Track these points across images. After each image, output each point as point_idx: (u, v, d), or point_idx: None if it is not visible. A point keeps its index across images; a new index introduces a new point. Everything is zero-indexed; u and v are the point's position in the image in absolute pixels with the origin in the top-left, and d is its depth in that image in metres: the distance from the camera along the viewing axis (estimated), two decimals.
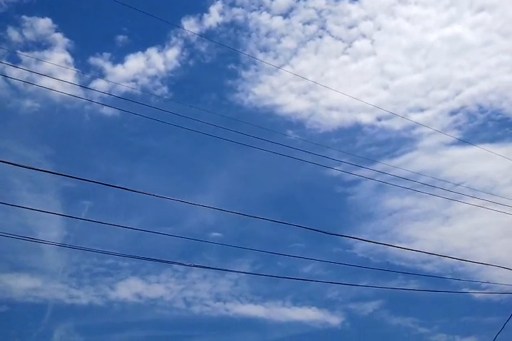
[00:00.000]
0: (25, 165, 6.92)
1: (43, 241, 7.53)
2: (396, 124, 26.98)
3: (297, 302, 26.17)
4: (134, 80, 25.69)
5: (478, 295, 23.24)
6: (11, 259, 25.48)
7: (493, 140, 27.39)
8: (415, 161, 25.97)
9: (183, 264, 7.85)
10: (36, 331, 25.09)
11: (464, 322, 26.55)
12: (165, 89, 26.66)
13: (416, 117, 26.86)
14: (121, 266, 25.91)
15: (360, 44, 27.48)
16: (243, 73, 27.90)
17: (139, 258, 7.75)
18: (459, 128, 27.24)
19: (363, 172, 14.34)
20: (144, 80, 26.52)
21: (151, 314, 25.55)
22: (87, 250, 7.52)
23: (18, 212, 22.83)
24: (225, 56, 27.57)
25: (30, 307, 24.97)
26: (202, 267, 8.57)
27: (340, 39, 27.18)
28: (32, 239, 7.45)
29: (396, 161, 25.27)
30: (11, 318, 25.45)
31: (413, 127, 26.65)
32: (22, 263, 25.92)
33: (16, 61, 19.61)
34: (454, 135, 25.09)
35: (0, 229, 8.01)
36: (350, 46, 27.34)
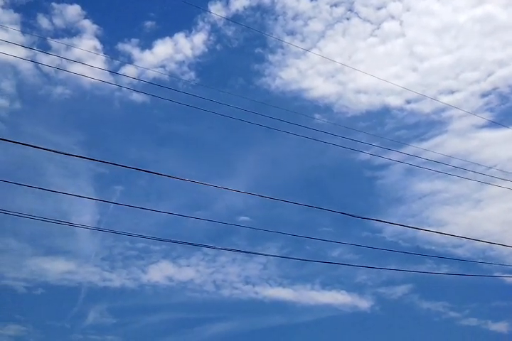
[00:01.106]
0: (59, 150, 7.09)
1: (77, 225, 7.73)
2: (425, 107, 26.60)
3: (326, 285, 26.28)
4: (162, 66, 25.83)
5: (509, 279, 22.99)
6: (47, 243, 26.14)
7: None
8: (445, 144, 25.62)
9: (214, 247, 7.99)
10: (71, 313, 25.81)
11: (496, 307, 26.31)
12: (192, 74, 26.76)
13: (446, 99, 26.43)
14: (152, 249, 26.37)
15: (389, 25, 27.02)
16: (270, 57, 27.77)
17: (170, 241, 7.90)
18: (491, 110, 26.72)
19: (392, 156, 14.25)
20: (172, 66, 26.65)
21: (181, 296, 26.02)
22: (120, 233, 7.71)
23: (52, 197, 23.40)
24: (252, 40, 27.45)
25: (65, 290, 25.66)
26: (232, 250, 8.70)
27: (369, 21, 26.79)
28: (67, 223, 7.66)
29: (426, 144, 24.97)
30: (47, 300, 26.20)
31: (443, 110, 26.25)
32: (57, 247, 26.58)
33: (46, 48, 19.90)
34: (486, 117, 24.63)
35: (36, 214, 8.23)
36: (378, 28, 26.92)
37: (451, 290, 25.90)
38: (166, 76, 22.53)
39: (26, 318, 25.00)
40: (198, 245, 7.87)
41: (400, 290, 26.20)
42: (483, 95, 26.51)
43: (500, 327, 25.09)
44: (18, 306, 25.76)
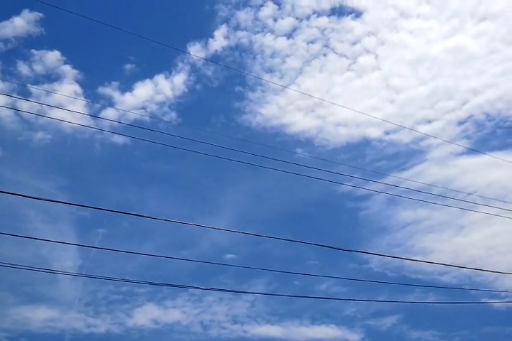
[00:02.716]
0: (39, 196, 7.03)
1: (59, 272, 7.59)
2: (404, 137, 27.04)
3: (315, 320, 25.94)
4: (143, 107, 26.04)
5: (497, 304, 22.94)
6: (28, 291, 25.53)
7: (502, 147, 27.33)
8: (425, 173, 25.93)
9: (200, 288, 7.88)
10: None
11: (485, 333, 26.15)
12: (173, 114, 26.97)
13: (424, 129, 26.92)
14: (137, 292, 25.89)
15: (364, 59, 27.70)
16: (250, 94, 28.18)
17: (155, 284, 7.78)
18: (468, 137, 27.23)
19: (374, 186, 14.35)
20: (153, 107, 26.86)
21: (168, 339, 25.42)
22: (103, 278, 7.56)
23: (33, 243, 22.98)
24: (232, 79, 27.89)
25: (48, 338, 24.93)
26: (218, 290, 8.58)
27: (345, 56, 27.45)
28: (49, 270, 7.53)
29: (406, 174, 25.26)
30: None
31: (421, 139, 26.68)
32: (39, 294, 25.96)
33: (26, 95, 19.96)
34: (463, 144, 25.05)
35: (16, 261, 8.08)
36: (354, 62, 27.57)
37: (440, 319, 25.75)
38: (147, 117, 22.65)
39: None
40: (184, 287, 7.76)
41: (389, 321, 25.97)
42: (460, 123, 27.06)
43: None
44: None
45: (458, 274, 24.65)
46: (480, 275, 23.26)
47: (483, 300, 19.39)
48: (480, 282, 22.86)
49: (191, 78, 26.85)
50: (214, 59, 25.86)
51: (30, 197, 6.73)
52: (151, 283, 7.56)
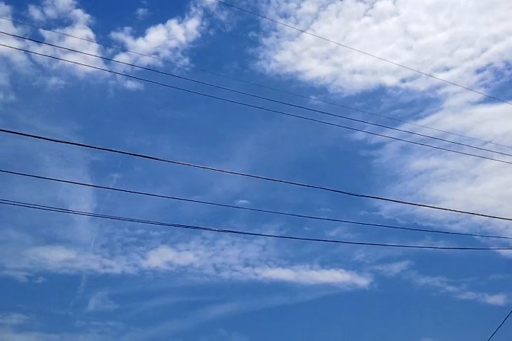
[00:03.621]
0: (55, 138, 7.10)
1: (77, 212, 7.78)
2: (421, 85, 26.59)
3: (325, 265, 26.52)
4: (156, 53, 25.72)
5: (506, 252, 23.23)
6: (46, 233, 26.25)
7: None
8: (441, 121, 25.67)
9: (214, 230, 8.04)
10: (72, 300, 26.01)
11: (493, 280, 26.63)
12: (186, 60, 26.63)
13: (441, 77, 26.41)
14: (151, 235, 26.52)
15: (382, 4, 26.86)
16: (264, 40, 27.65)
17: (171, 225, 7.95)
18: (486, 86, 26.73)
19: (388, 134, 14.26)
20: (166, 52, 26.52)
21: (182, 281, 26.23)
22: (120, 219, 7.75)
23: (49, 187, 23.39)
24: (246, 24, 27.29)
25: (65, 278, 25.84)
26: (231, 232, 8.75)
27: (362, 0, 26.62)
28: (66, 211, 7.70)
29: (421, 122, 25.02)
30: (49, 289, 26.40)
31: (438, 87, 26.25)
32: (56, 236, 26.70)
33: (39, 39, 19.75)
34: (481, 93, 24.62)
35: (33, 204, 8.24)
36: (372, 7, 26.76)
37: (449, 265, 26.20)
38: (160, 63, 22.39)
39: (29, 307, 25.19)
40: (199, 228, 7.93)
41: (398, 266, 26.47)
42: (478, 71, 26.49)
43: (497, 299, 25.42)
44: (20, 295, 25.94)
45: (468, 223, 24.85)
46: (490, 224, 23.43)
47: (492, 248, 19.61)
48: (490, 231, 23.04)
49: (204, 23, 26.29)
50: (227, 3, 25.25)
51: (46, 139, 6.80)
52: (166, 224, 7.74)
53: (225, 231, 7.85)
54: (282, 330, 26.27)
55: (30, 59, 24.59)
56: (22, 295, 25.88)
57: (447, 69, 26.44)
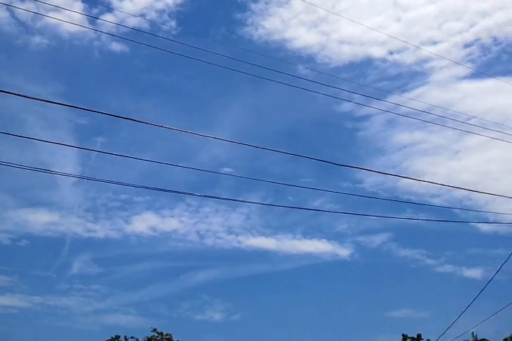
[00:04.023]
0: (39, 97, 7.00)
1: (61, 174, 7.76)
2: (408, 58, 26.57)
3: (307, 234, 26.85)
4: (142, 14, 25.25)
5: (485, 228, 23.66)
6: (29, 195, 26.11)
7: (505, 73, 26.98)
8: (426, 95, 25.76)
9: (198, 195, 8.11)
10: (56, 263, 26.11)
11: (471, 254, 27.22)
12: (173, 23, 26.21)
13: (429, 50, 26.38)
14: (135, 200, 26.52)
15: None
16: (252, 6, 27.24)
17: (154, 189, 7.99)
18: (473, 61, 26.78)
19: (374, 108, 14.27)
20: (152, 14, 26.06)
21: (166, 246, 26.43)
22: (105, 182, 7.75)
23: (33, 149, 23.15)
24: None
25: (49, 241, 25.89)
26: (215, 198, 8.79)
27: None
28: (50, 172, 7.68)
29: (407, 95, 25.13)
30: (32, 251, 26.44)
31: (425, 61, 26.25)
32: (39, 198, 26.59)
33: None
34: (467, 68, 24.64)
35: (18, 165, 8.16)
36: None
37: (428, 239, 26.69)
38: (146, 25, 21.97)
39: (12, 269, 25.27)
40: (183, 193, 7.98)
41: (379, 238, 26.88)
42: (466, 46, 26.50)
43: (474, 273, 26.05)
44: (2, 257, 25.95)
45: (449, 197, 25.22)
46: (470, 200, 23.82)
47: (472, 223, 19.99)
48: (470, 206, 23.47)
49: None
50: None
51: (31, 98, 6.71)
52: (150, 188, 7.77)
53: (209, 197, 7.92)
54: (264, 297, 26.80)
55: (13, 16, 23.98)
56: (5, 257, 25.89)
57: (435, 42, 26.42)
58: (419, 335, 23.20)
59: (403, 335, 23.35)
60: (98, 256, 27.06)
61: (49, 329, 25.35)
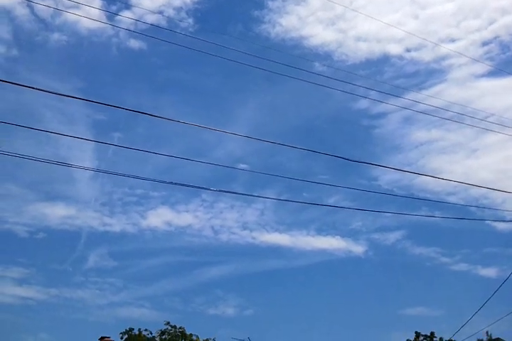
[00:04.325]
0: (59, 92, 7.12)
1: (78, 167, 7.89)
2: (425, 55, 26.41)
3: (322, 231, 26.85)
4: (160, 12, 25.38)
5: (501, 226, 23.46)
6: (47, 189, 26.42)
7: None
8: (444, 93, 25.59)
9: (213, 190, 8.20)
10: (72, 256, 26.41)
11: (487, 253, 27.02)
12: (191, 20, 26.31)
13: (447, 48, 26.17)
14: (151, 195, 26.70)
15: None
16: (270, 3, 27.24)
17: (170, 183, 8.08)
18: (491, 59, 26.54)
19: (391, 104, 14.23)
20: (170, 12, 26.17)
21: (180, 241, 26.61)
22: (122, 175, 7.86)
23: (51, 143, 23.42)
24: None
25: (66, 234, 26.19)
26: (231, 193, 8.86)
27: None
28: (68, 165, 7.81)
29: (424, 93, 25.01)
30: (49, 244, 26.78)
31: (443, 58, 26.06)
32: (57, 192, 26.89)
33: None
34: (485, 66, 24.41)
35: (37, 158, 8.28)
36: None
37: (444, 237, 26.54)
38: (164, 22, 22.07)
39: (29, 261, 25.62)
40: (199, 188, 8.06)
41: (394, 236, 26.79)
42: (484, 44, 26.26)
43: (489, 272, 25.87)
44: (20, 250, 26.33)
45: (465, 195, 25.06)
46: (487, 198, 23.64)
47: (488, 222, 19.84)
48: (487, 204, 23.32)
49: None
50: None
51: (50, 92, 6.83)
52: (166, 182, 7.88)
53: (224, 191, 8.00)
54: (277, 293, 26.89)
55: (33, 13, 24.24)
56: (23, 249, 26.27)
57: (453, 40, 26.22)
58: (432, 333, 23.14)
59: (416, 333, 23.30)
60: (114, 249, 27.31)
61: (64, 321, 25.72)
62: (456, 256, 27.00)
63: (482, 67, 24.24)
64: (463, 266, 26.67)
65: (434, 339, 23.07)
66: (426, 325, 23.76)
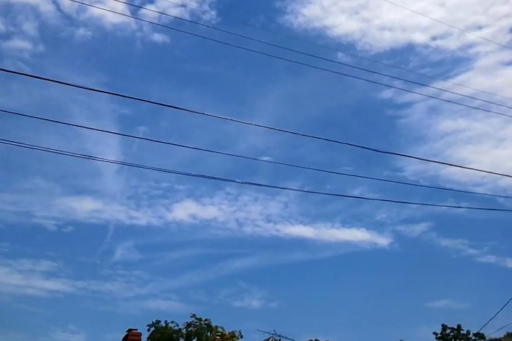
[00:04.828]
0: (85, 86, 7.19)
1: (106, 160, 7.98)
2: (451, 44, 26.01)
3: (346, 223, 26.74)
4: (183, 5, 25.46)
5: None
6: (74, 183, 26.77)
7: None
8: (471, 81, 25.20)
9: (238, 182, 8.23)
10: (100, 249, 26.78)
11: None
12: (213, 13, 26.30)
13: (473, 35, 25.76)
14: (176, 188, 26.88)
15: None
16: None
17: (195, 176, 8.13)
18: None
19: (416, 94, 14.03)
20: (193, 5, 26.19)
21: (205, 234, 26.75)
22: (147, 168, 7.94)
23: (78, 138, 23.70)
24: None
25: (93, 228, 26.55)
26: (255, 184, 8.87)
27: None
28: (94, 158, 7.90)
29: (450, 82, 24.67)
30: (77, 238, 27.19)
31: (469, 46, 25.64)
32: (84, 187, 27.24)
33: None
34: None
35: (62, 154, 8.39)
36: None
37: (470, 229, 26.21)
38: (187, 15, 22.13)
39: (57, 255, 26.06)
40: (224, 179, 8.11)
41: (419, 228, 26.55)
42: None
43: None
44: (48, 243, 26.82)
45: (493, 186, 24.69)
46: None
47: None
48: None
49: None
50: None
51: (77, 86, 6.90)
52: (191, 175, 7.93)
53: (249, 183, 8.02)
54: (302, 285, 26.90)
55: (58, 9, 24.47)
56: (51, 243, 26.75)
57: (480, 27, 25.76)
58: (459, 326, 22.96)
59: (443, 326, 23.15)
60: (140, 242, 27.62)
61: (92, 314, 26.13)
62: (483, 248, 26.65)
63: (510, 54, 23.79)
64: (490, 258, 26.32)
65: (462, 331, 22.88)
66: (453, 318, 23.58)
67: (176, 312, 27.14)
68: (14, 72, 7.11)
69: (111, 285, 26.45)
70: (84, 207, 26.53)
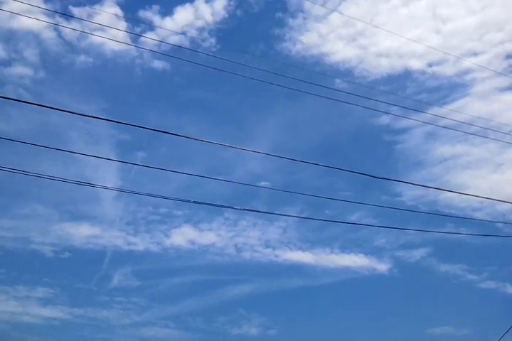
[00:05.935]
0: (83, 113, 7.26)
1: (103, 187, 7.97)
2: (448, 70, 26.23)
3: (345, 249, 26.55)
4: (183, 32, 25.79)
5: None
6: (72, 209, 26.70)
7: None
8: (467, 107, 25.33)
9: (236, 208, 8.20)
10: (97, 275, 26.56)
11: None
12: (213, 40, 26.63)
13: (469, 62, 26.00)
14: (174, 214, 26.82)
15: None
16: (290, 21, 27.45)
17: (193, 202, 8.12)
18: None
19: (413, 119, 14.17)
20: (193, 32, 26.55)
21: (203, 259, 26.56)
22: (145, 195, 7.92)
23: (76, 163, 23.73)
24: (272, 4, 27.13)
25: (90, 254, 26.35)
26: (253, 211, 8.87)
27: None
28: (92, 185, 7.90)
29: (447, 108, 24.77)
30: (74, 264, 26.98)
31: (465, 72, 25.86)
32: (82, 212, 27.15)
33: (68, 17, 19.99)
34: (509, 79, 24.18)
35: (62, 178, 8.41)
36: None
37: (470, 253, 26.00)
38: (187, 42, 22.41)
39: (54, 281, 25.81)
40: (221, 206, 8.09)
41: (418, 253, 26.39)
42: (508, 56, 26.00)
43: None
44: (45, 269, 26.59)
45: (491, 211, 24.61)
46: None
47: None
48: None
49: (232, 3, 26.22)
50: None
51: (74, 113, 6.96)
52: (189, 201, 7.91)
53: (248, 210, 8.02)
54: (301, 312, 26.53)
55: (60, 36, 24.82)
56: (48, 269, 26.51)
57: (475, 54, 26.00)
58: None
59: None
60: (138, 269, 27.34)
61: None
62: (483, 274, 26.39)
63: (506, 80, 23.99)
64: (490, 284, 26.05)
65: None
66: None
67: (174, 340, 26.67)
68: (14, 99, 7.18)
69: (108, 313, 26.04)
70: (82, 232, 26.35)
